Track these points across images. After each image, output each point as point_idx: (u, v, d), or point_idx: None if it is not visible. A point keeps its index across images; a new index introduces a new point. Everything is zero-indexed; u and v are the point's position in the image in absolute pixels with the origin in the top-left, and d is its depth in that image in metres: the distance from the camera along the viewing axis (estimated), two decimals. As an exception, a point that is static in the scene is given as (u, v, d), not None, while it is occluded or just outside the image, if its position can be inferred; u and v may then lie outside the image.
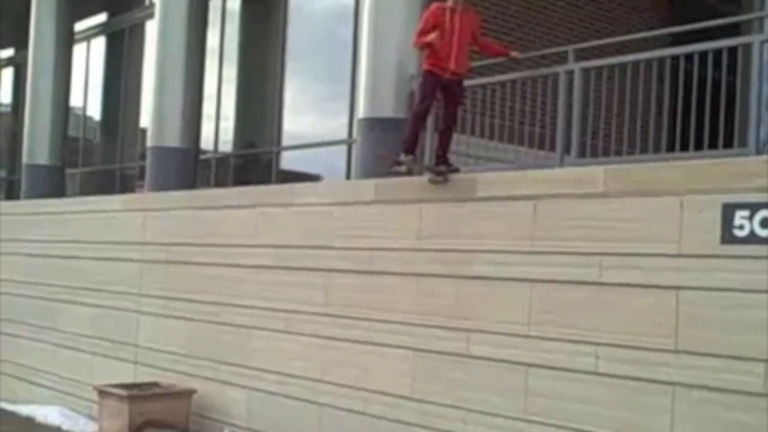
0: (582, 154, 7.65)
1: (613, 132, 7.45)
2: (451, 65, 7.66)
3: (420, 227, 7.76)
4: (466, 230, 7.40)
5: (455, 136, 8.04)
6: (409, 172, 8.00)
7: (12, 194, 19.05)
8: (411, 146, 7.75)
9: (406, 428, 7.65)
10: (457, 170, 7.67)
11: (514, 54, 8.26)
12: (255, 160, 14.01)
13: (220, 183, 13.63)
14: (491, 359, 7.09)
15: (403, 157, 7.71)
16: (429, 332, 7.56)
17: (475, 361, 7.21)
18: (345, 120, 11.45)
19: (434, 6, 7.80)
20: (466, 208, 7.45)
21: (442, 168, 7.66)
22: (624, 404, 6.22)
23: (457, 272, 7.41)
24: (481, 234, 7.28)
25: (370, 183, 8.34)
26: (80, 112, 18.50)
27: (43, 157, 15.30)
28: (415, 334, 7.67)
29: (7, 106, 21.65)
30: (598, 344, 6.38)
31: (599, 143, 7.77)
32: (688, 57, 6.96)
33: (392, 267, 7.95)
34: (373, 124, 9.04)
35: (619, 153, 7.48)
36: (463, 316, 7.32)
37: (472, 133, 8.58)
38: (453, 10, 7.70)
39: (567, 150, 7.62)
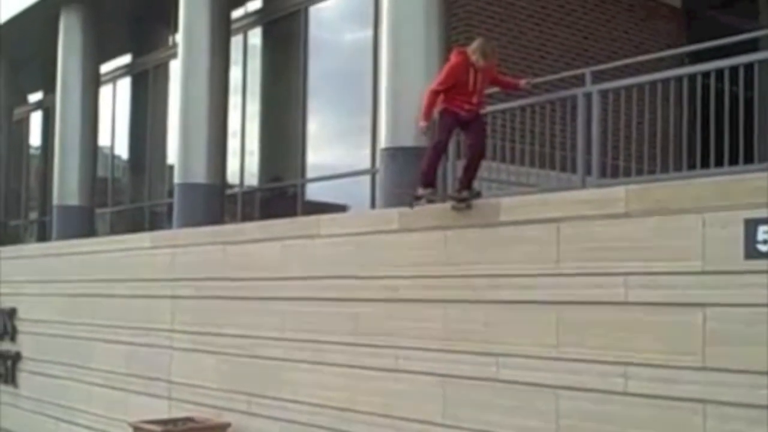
0: (603, 174, 7.67)
1: (633, 151, 7.47)
2: (467, 107, 7.72)
3: (445, 254, 7.80)
4: (491, 255, 7.43)
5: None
6: (431, 203, 8.05)
7: (43, 235, 19.32)
8: (429, 179, 7.79)
9: (438, 455, 7.66)
10: (479, 195, 7.71)
11: (522, 83, 8.34)
12: (281, 193, 14.13)
13: (246, 217, 13.73)
14: (521, 383, 7.09)
15: (421, 191, 7.76)
16: (458, 358, 7.58)
17: (506, 385, 7.21)
18: (368, 150, 11.54)
19: (456, 59, 7.69)
20: (490, 233, 7.48)
21: (465, 194, 7.67)
22: (655, 423, 6.20)
23: (484, 297, 7.43)
24: (506, 258, 7.31)
25: (394, 212, 8.40)
26: (108, 152, 18.78)
27: (73, 198, 15.53)
28: (444, 360, 7.69)
29: (37, 148, 22.01)
30: (626, 364, 6.37)
31: (620, 163, 7.79)
32: (706, 74, 6.98)
33: (419, 294, 7.99)
34: (395, 153, 9.13)
35: (640, 172, 7.49)
36: (492, 341, 7.34)
37: (493, 158, 8.62)
38: (477, 70, 7.66)
39: (588, 171, 7.65)
